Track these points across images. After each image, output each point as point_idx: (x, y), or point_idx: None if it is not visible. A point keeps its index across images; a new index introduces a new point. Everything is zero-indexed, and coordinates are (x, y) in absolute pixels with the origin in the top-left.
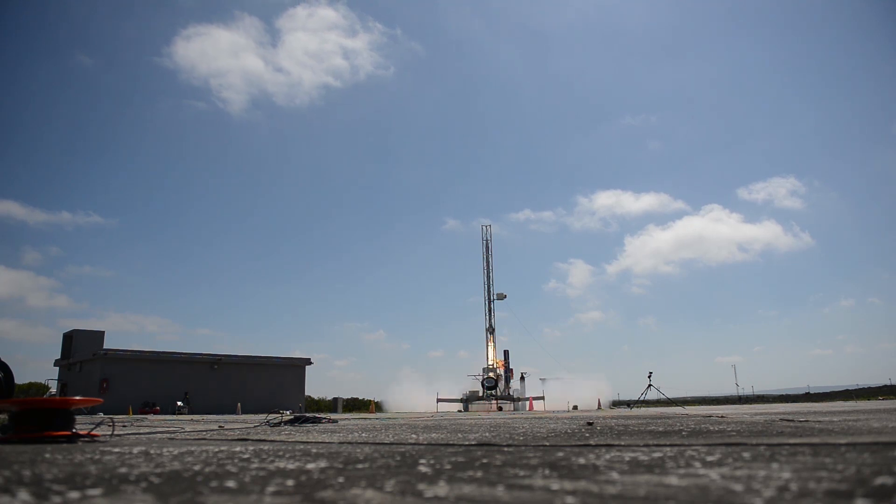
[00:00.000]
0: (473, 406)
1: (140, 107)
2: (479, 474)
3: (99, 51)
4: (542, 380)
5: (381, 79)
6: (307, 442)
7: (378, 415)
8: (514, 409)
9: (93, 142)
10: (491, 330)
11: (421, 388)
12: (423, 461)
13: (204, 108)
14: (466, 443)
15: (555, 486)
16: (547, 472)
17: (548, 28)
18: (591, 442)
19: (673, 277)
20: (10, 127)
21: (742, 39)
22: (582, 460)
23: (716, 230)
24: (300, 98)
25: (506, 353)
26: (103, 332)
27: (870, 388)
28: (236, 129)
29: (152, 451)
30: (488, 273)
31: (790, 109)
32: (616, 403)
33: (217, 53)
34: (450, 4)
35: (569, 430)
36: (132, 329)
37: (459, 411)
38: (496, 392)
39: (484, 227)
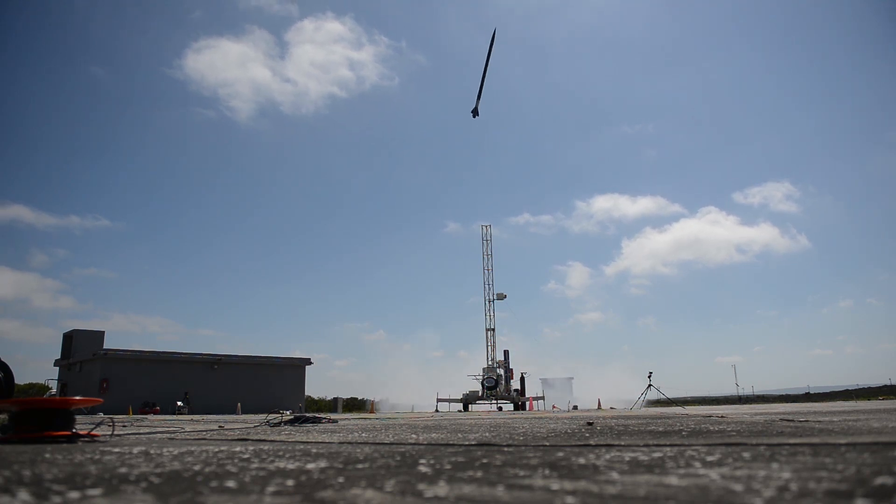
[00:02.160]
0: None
1: (149, 115)
2: (479, 474)
3: (112, 62)
4: (543, 379)
5: (386, 89)
6: (307, 442)
7: (378, 415)
8: (517, 410)
9: (102, 148)
10: (491, 330)
11: (421, 387)
12: (423, 461)
13: (212, 117)
14: (466, 443)
15: (555, 486)
16: (547, 472)
17: (547, 40)
18: (591, 442)
19: (672, 278)
20: (23, 134)
21: (736, 48)
22: (582, 460)
23: (713, 232)
24: (306, 107)
25: (506, 352)
26: (103, 332)
27: (870, 388)
28: (242, 135)
29: (152, 451)
30: (488, 272)
31: (784, 115)
32: (654, 403)
33: (226, 64)
34: (453, 18)
35: (569, 430)
36: (135, 329)
37: (459, 411)
38: (496, 392)
39: (483, 227)
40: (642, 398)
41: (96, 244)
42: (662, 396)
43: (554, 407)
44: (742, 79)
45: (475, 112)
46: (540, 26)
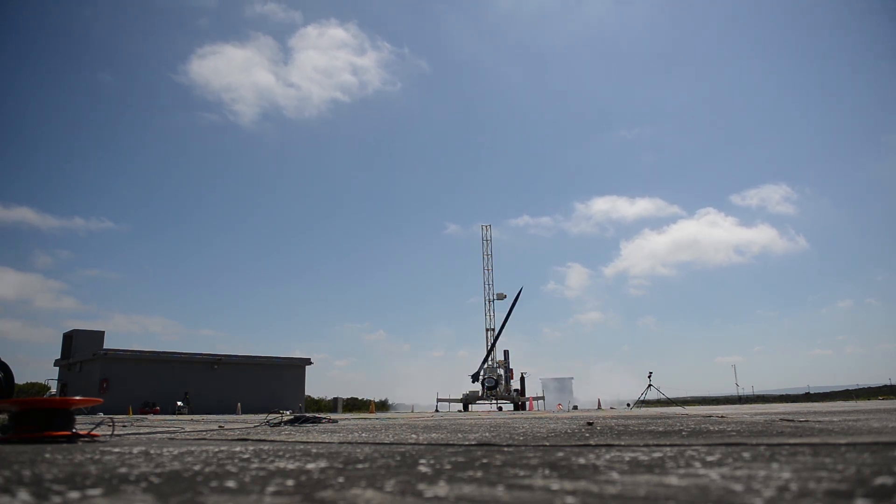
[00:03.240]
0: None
1: (154, 119)
2: (479, 474)
3: (118, 68)
4: (543, 379)
5: (388, 94)
6: (307, 442)
7: (378, 415)
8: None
9: (107, 151)
10: (491, 330)
11: (421, 387)
12: (423, 461)
13: (215, 120)
14: (466, 443)
15: (555, 486)
16: (547, 472)
17: (546, 45)
18: (591, 442)
19: (671, 279)
20: (30, 137)
21: (733, 53)
22: (582, 460)
23: (712, 234)
24: (309, 111)
25: (506, 352)
26: (103, 332)
27: (870, 388)
28: (245, 139)
29: (152, 451)
30: (488, 272)
31: (781, 119)
32: (650, 403)
33: (230, 70)
34: (455, 25)
35: (569, 430)
36: (136, 330)
37: (459, 411)
38: (496, 392)
39: (483, 227)
40: (641, 398)
41: (100, 245)
42: (662, 396)
43: (559, 406)
44: (739, 83)
45: (475, 377)
46: (539, 32)
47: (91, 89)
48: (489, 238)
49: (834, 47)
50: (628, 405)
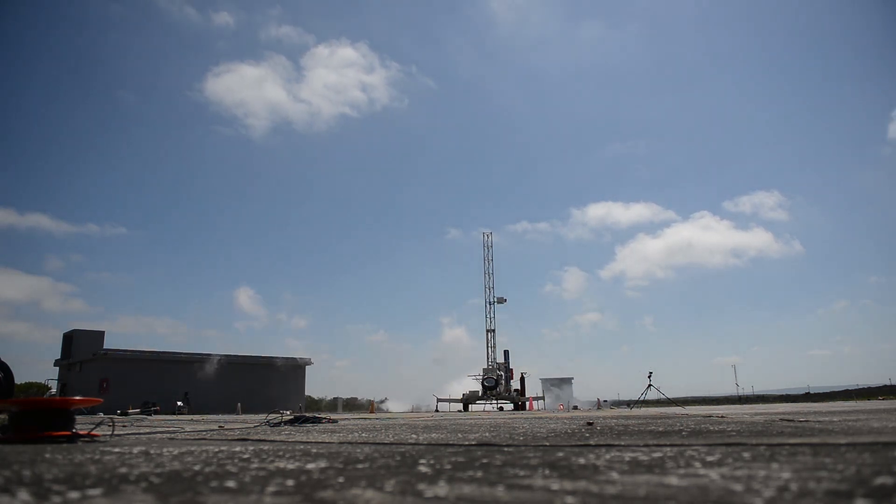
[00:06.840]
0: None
1: (169, 132)
2: (479, 474)
3: (137, 87)
4: (543, 379)
5: (396, 109)
6: (307, 442)
7: (378, 414)
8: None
9: (124, 162)
10: (491, 331)
11: (421, 387)
12: (423, 461)
13: (229, 134)
14: (466, 443)
15: (555, 486)
16: (547, 472)
17: (545, 66)
18: (591, 442)
19: (668, 281)
20: (51, 150)
21: (722, 70)
22: (582, 460)
23: (707, 237)
24: (318, 125)
25: (506, 353)
26: (103, 332)
27: (870, 388)
28: (257, 151)
29: (152, 451)
30: (489, 276)
31: (771, 130)
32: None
33: (243, 86)
34: (460, 47)
35: (569, 430)
36: (143, 331)
37: (459, 411)
38: (496, 392)
39: (485, 234)
40: (641, 398)
41: (112, 250)
42: (662, 396)
43: (560, 407)
44: (729, 97)
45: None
46: (538, 53)
47: (110, 106)
48: (490, 245)
49: (821, 62)
50: (628, 405)
